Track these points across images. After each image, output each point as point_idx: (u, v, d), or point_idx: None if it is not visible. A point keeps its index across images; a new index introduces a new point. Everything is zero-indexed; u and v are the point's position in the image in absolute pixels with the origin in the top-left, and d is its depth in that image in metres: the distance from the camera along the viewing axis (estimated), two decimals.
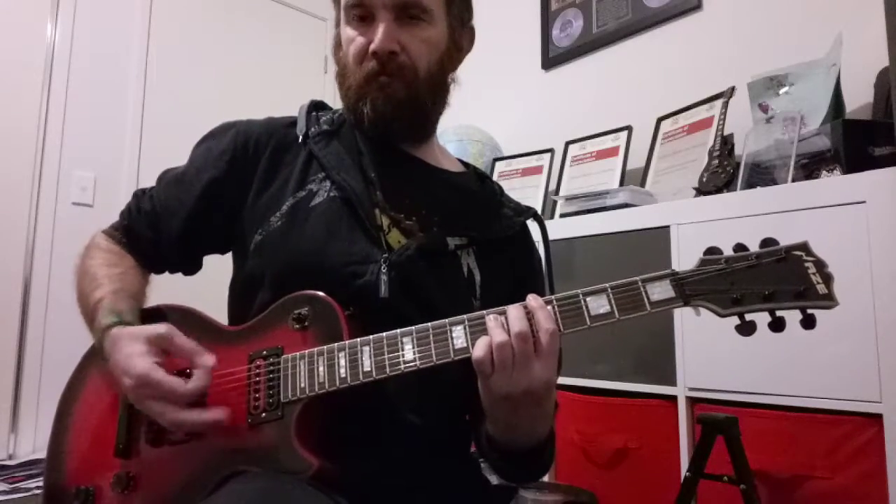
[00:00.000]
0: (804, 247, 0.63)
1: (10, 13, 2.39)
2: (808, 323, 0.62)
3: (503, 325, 0.65)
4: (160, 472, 0.73)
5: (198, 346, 0.71)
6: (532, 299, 0.66)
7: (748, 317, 0.64)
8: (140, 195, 0.90)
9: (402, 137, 0.87)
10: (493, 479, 0.86)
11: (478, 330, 0.66)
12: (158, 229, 0.86)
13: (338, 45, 0.86)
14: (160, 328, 0.71)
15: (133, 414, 0.76)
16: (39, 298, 2.37)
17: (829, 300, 0.61)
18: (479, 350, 0.64)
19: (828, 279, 0.61)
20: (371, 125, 0.82)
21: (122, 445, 0.75)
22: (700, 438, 1.22)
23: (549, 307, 0.66)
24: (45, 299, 2.38)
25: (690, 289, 0.64)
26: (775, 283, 0.62)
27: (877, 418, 1.12)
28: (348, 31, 0.83)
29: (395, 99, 0.81)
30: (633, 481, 1.48)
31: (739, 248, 0.65)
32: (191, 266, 0.92)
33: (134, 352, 0.69)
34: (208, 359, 0.70)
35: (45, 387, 2.33)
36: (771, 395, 1.26)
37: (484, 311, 0.67)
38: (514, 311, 0.65)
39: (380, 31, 0.79)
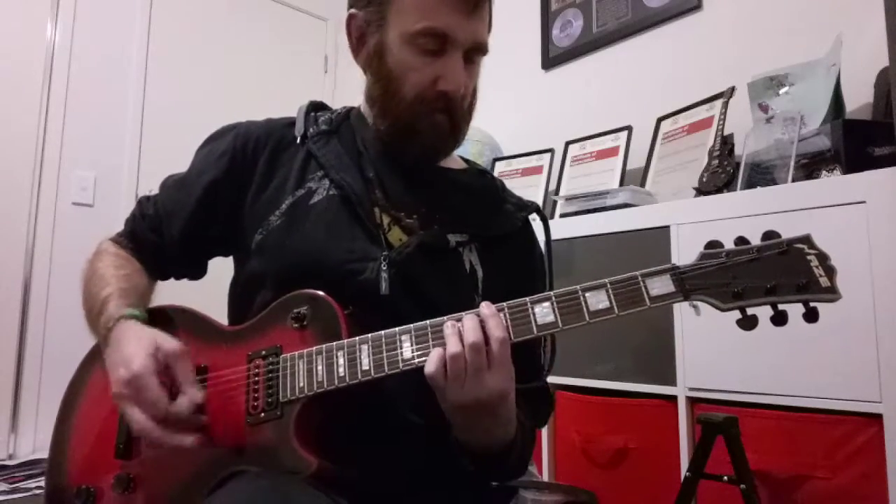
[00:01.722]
0: (807, 239, 0.62)
1: (10, 13, 2.39)
2: (811, 316, 0.61)
3: (459, 333, 0.64)
4: (160, 472, 0.74)
5: (196, 379, 0.71)
6: (485, 307, 0.66)
7: (750, 311, 0.63)
8: (144, 201, 0.91)
9: (438, 161, 0.88)
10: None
11: None
12: (161, 233, 0.87)
13: (377, 52, 0.80)
14: (177, 345, 0.71)
15: None
16: (39, 298, 2.37)
17: (831, 293, 0.60)
18: (431, 365, 0.64)
19: (830, 272, 0.61)
20: (418, 158, 0.83)
21: (123, 446, 0.76)
22: (700, 438, 1.22)
23: (500, 315, 0.66)
24: (45, 299, 2.38)
25: (691, 283, 0.64)
26: (777, 276, 0.61)
27: (877, 418, 1.12)
28: (409, 57, 0.77)
29: (445, 135, 0.82)
30: (633, 481, 1.48)
31: (741, 241, 0.64)
32: (195, 270, 0.92)
33: (141, 350, 0.69)
34: (198, 396, 0.70)
35: (45, 387, 2.33)
36: (771, 395, 1.26)
37: (475, 311, 0.67)
38: (469, 322, 0.65)
39: (456, 73, 0.77)
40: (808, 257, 0.61)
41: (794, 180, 1.34)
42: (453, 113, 0.80)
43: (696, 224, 1.40)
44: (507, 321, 0.66)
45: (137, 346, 0.70)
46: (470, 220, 0.85)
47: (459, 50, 0.77)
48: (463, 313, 0.66)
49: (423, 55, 0.77)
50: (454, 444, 0.76)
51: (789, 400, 1.23)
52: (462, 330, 0.64)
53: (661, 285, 0.64)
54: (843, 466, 1.16)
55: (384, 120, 0.82)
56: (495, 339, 0.64)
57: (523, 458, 0.79)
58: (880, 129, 1.33)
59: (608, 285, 0.65)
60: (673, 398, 1.41)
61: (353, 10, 0.83)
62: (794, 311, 0.62)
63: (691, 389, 1.38)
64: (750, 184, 1.43)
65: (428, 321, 0.68)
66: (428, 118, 0.79)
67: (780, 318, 0.62)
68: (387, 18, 0.78)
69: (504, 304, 0.67)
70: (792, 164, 1.34)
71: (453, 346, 0.63)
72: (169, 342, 0.71)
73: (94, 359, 0.83)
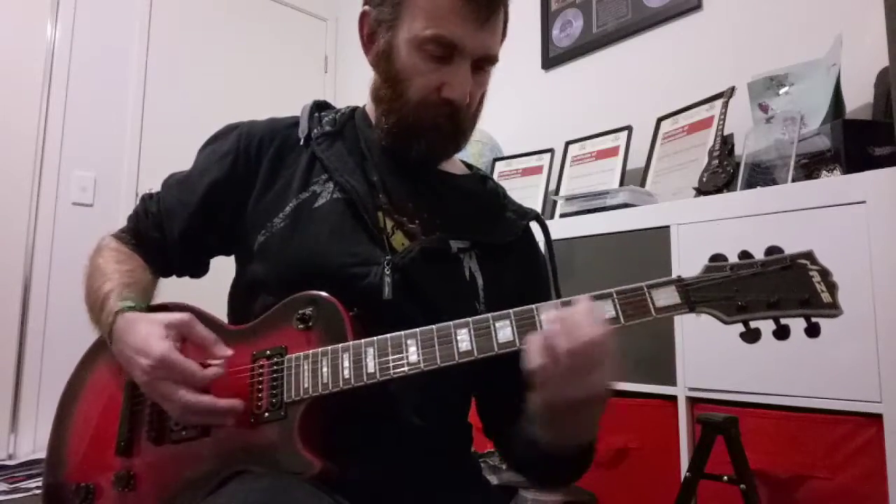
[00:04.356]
0: (809, 255, 0.63)
1: (10, 13, 2.39)
2: (813, 331, 0.62)
3: (569, 329, 0.61)
4: (161, 471, 0.74)
5: (216, 337, 0.72)
6: (584, 301, 0.64)
7: (753, 324, 0.64)
8: (147, 199, 0.91)
9: (438, 163, 0.88)
10: (494, 480, 0.87)
11: (483, 333, 0.66)
12: (164, 231, 0.87)
13: (386, 53, 0.80)
14: (182, 315, 0.72)
15: (135, 412, 0.76)
16: (39, 298, 2.37)
17: (833, 308, 0.61)
18: (533, 354, 0.61)
19: (832, 288, 0.62)
20: (418, 161, 0.83)
21: (124, 444, 0.76)
22: (700, 438, 1.22)
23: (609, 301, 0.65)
24: (45, 299, 2.38)
25: (696, 295, 0.65)
26: (780, 290, 0.62)
27: (877, 418, 1.12)
28: (416, 62, 0.77)
29: (447, 139, 0.82)
30: (633, 481, 1.48)
31: (744, 255, 0.65)
32: (197, 268, 0.92)
33: (153, 333, 0.70)
34: (226, 349, 0.71)
35: (45, 387, 2.33)
36: (771, 395, 1.26)
37: (489, 315, 0.67)
38: (580, 316, 0.61)
39: (462, 82, 0.77)
40: (811, 273, 0.62)
41: (794, 180, 1.34)
42: (457, 119, 0.80)
43: (696, 224, 1.40)
44: (616, 309, 0.64)
45: (147, 331, 0.70)
46: (471, 227, 0.85)
47: (468, 59, 0.77)
48: (555, 303, 0.65)
49: (430, 61, 0.77)
50: (523, 446, 0.75)
51: (789, 400, 1.23)
52: (574, 326, 0.61)
53: (666, 296, 0.65)
54: (843, 466, 1.16)
55: (388, 119, 0.82)
56: (603, 332, 0.61)
57: (592, 458, 0.78)
58: (880, 129, 1.33)
59: (614, 295, 0.65)
60: (673, 398, 1.41)
61: (366, 8, 0.83)
62: (796, 324, 0.63)
63: (691, 389, 1.38)
64: (750, 184, 1.43)
65: (434, 326, 0.68)
66: (431, 122, 0.79)
67: (782, 333, 0.63)
68: (399, 20, 0.78)
69: (510, 311, 0.67)
70: (792, 164, 1.35)
71: (569, 343, 0.60)
72: (173, 316, 0.72)
73: (95, 355, 0.83)
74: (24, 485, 2.00)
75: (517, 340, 0.66)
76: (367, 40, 0.84)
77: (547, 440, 0.71)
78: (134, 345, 0.70)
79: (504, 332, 0.66)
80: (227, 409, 0.69)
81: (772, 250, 0.65)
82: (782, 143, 1.40)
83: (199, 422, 0.71)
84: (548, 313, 0.64)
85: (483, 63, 0.80)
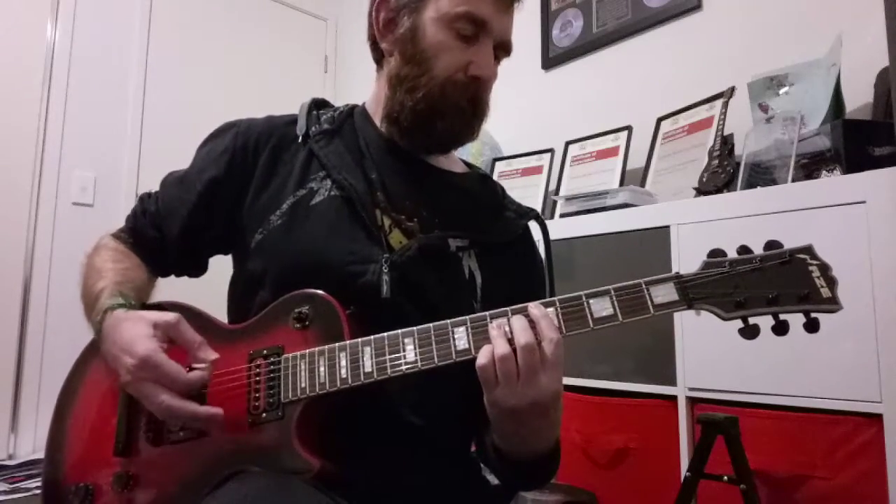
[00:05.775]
0: (808, 250, 0.63)
1: (10, 13, 2.39)
2: (812, 327, 0.62)
3: (507, 334, 0.64)
4: (160, 471, 0.73)
5: (203, 340, 0.71)
6: (534, 308, 0.65)
7: (751, 320, 0.63)
8: (145, 198, 0.91)
9: (456, 148, 0.89)
10: (493, 480, 0.86)
11: (480, 331, 0.66)
12: (162, 230, 0.87)
13: (411, 33, 0.81)
14: (169, 316, 0.71)
15: (132, 412, 0.76)
16: (39, 298, 2.37)
17: (832, 304, 0.61)
18: (482, 358, 0.63)
19: (832, 283, 0.61)
20: (436, 145, 0.85)
21: (122, 444, 0.75)
22: (700, 438, 1.22)
23: (550, 310, 0.65)
24: (45, 299, 2.38)
25: (694, 292, 0.64)
26: (779, 286, 0.62)
27: (877, 418, 1.12)
28: (445, 39, 0.79)
29: (466, 122, 0.83)
30: (633, 481, 1.48)
31: (743, 250, 0.65)
32: (195, 267, 0.92)
33: (138, 333, 0.68)
34: (211, 353, 0.70)
35: (45, 387, 2.33)
36: (771, 395, 1.26)
37: (486, 314, 0.67)
38: (518, 322, 0.64)
39: (488, 60, 0.80)
40: (810, 268, 0.62)
41: (794, 180, 1.34)
42: (478, 100, 0.82)
43: (696, 224, 1.40)
44: (559, 319, 0.65)
45: (133, 330, 0.69)
46: (470, 226, 0.84)
47: (492, 41, 0.80)
48: (508, 313, 0.66)
49: (458, 39, 0.79)
50: (491, 450, 0.76)
51: (789, 400, 1.23)
52: (512, 331, 0.63)
53: (664, 293, 0.64)
54: (843, 466, 1.16)
55: (414, 95, 0.81)
56: (548, 339, 0.63)
57: (558, 463, 0.79)
58: (880, 129, 1.33)
59: (612, 292, 0.65)
60: (673, 398, 1.41)
61: None
62: (795, 320, 0.62)
63: (691, 389, 1.38)
64: (750, 184, 1.43)
65: (431, 324, 0.68)
66: (454, 102, 0.80)
67: (781, 328, 0.63)
68: (423, 2, 0.80)
69: (508, 308, 0.66)
70: (792, 164, 1.35)
71: (501, 348, 0.62)
72: (162, 316, 0.71)
73: (91, 355, 0.83)
74: (24, 485, 2.00)
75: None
76: (384, 27, 0.85)
77: (504, 447, 0.72)
78: (120, 343, 0.69)
79: None
80: (207, 416, 0.68)
81: (771, 244, 0.64)
82: (782, 143, 1.40)
83: (182, 425, 0.71)
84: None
85: (499, 50, 0.83)
